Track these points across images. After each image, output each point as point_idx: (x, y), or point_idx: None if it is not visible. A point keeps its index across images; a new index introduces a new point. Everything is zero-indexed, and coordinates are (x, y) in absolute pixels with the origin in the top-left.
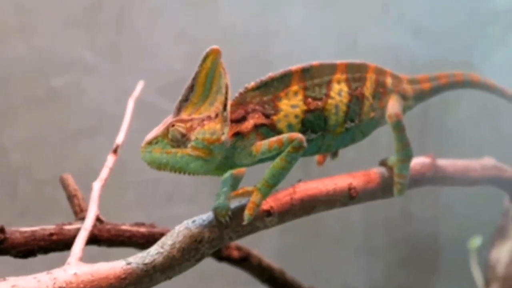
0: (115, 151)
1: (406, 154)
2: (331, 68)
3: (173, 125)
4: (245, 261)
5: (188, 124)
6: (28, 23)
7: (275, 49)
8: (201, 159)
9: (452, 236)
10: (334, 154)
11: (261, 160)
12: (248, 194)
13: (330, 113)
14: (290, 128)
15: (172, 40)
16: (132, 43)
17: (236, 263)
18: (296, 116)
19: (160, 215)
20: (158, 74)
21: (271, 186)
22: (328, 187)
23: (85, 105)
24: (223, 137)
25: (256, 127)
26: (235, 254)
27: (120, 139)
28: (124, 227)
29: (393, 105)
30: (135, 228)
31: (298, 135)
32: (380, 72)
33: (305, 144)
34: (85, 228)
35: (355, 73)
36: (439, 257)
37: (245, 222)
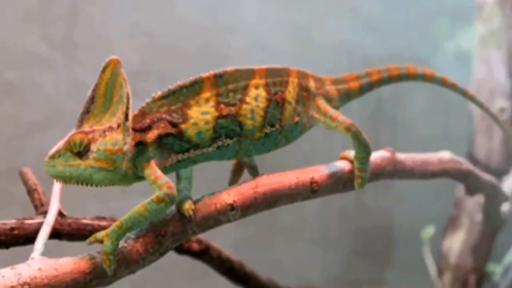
0: None
1: (366, 152)
2: (248, 74)
3: (74, 137)
4: (205, 254)
5: (90, 136)
6: None
7: (230, 43)
8: (104, 170)
9: (405, 227)
10: (255, 173)
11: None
12: (100, 241)
13: (245, 118)
14: (200, 135)
15: (127, 33)
16: (86, 35)
17: (196, 256)
18: (207, 123)
19: (117, 207)
20: None
21: (124, 229)
22: (291, 181)
23: (39, 99)
24: (125, 147)
25: (161, 137)
26: (195, 246)
27: None
28: (85, 221)
29: (339, 115)
30: (96, 222)
31: (169, 189)
32: (302, 75)
33: (170, 200)
34: (48, 223)
35: (276, 77)
36: (393, 248)
37: (109, 274)
